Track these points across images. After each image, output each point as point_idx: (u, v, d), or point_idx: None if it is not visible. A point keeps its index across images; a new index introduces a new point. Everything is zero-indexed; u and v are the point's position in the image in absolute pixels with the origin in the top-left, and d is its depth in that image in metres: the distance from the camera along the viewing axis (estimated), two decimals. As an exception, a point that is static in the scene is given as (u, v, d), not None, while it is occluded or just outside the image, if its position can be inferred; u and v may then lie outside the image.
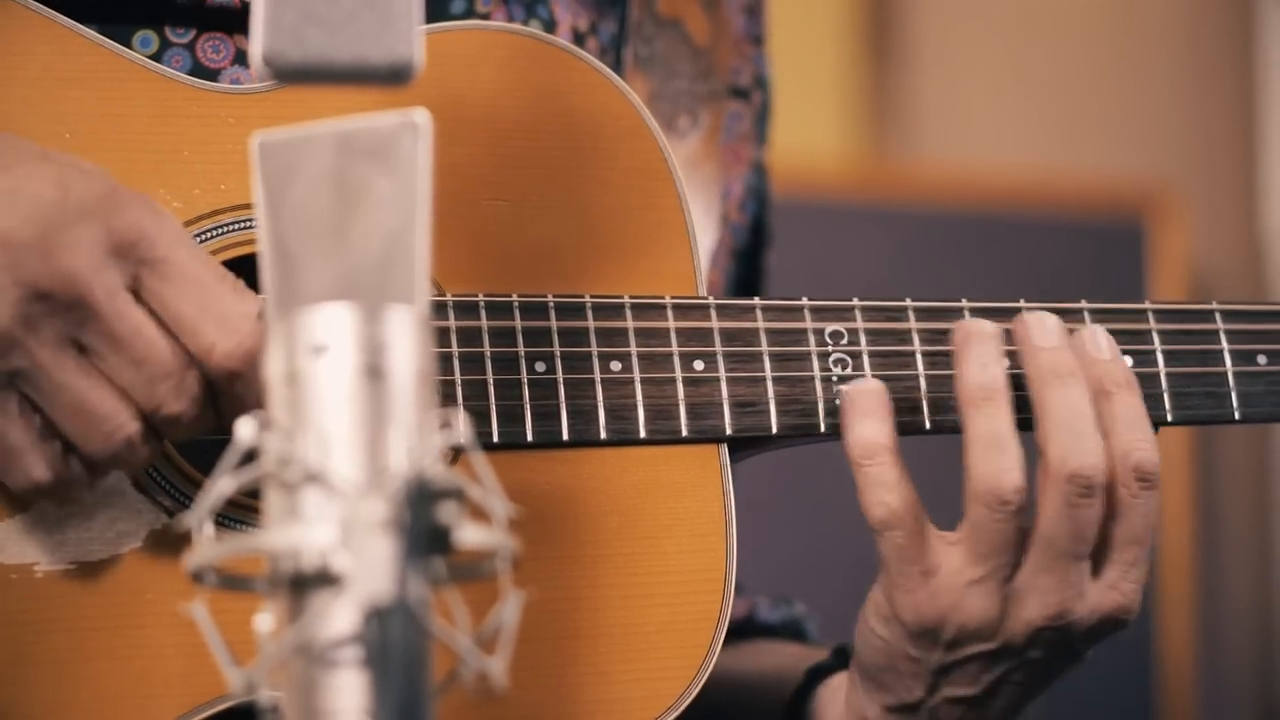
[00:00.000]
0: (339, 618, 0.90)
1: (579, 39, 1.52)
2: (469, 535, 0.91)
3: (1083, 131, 3.97)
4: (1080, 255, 3.58)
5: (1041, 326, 1.36)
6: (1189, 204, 3.71)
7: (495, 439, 1.30)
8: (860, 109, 3.84)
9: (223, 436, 1.06)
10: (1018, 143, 3.94)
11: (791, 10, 3.77)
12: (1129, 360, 1.40)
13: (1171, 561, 3.59)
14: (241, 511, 1.28)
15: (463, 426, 0.94)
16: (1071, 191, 3.66)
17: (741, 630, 1.66)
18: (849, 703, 1.41)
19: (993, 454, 1.31)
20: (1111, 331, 1.39)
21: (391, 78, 0.99)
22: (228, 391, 1.19)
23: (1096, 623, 1.34)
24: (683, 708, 1.32)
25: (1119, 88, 3.99)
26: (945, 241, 3.51)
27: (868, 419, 1.34)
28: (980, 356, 1.34)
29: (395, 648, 0.87)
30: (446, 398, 1.30)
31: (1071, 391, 1.33)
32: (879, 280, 3.36)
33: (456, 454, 1.22)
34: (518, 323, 1.32)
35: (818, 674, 1.47)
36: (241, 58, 1.40)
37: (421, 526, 0.89)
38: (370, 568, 0.89)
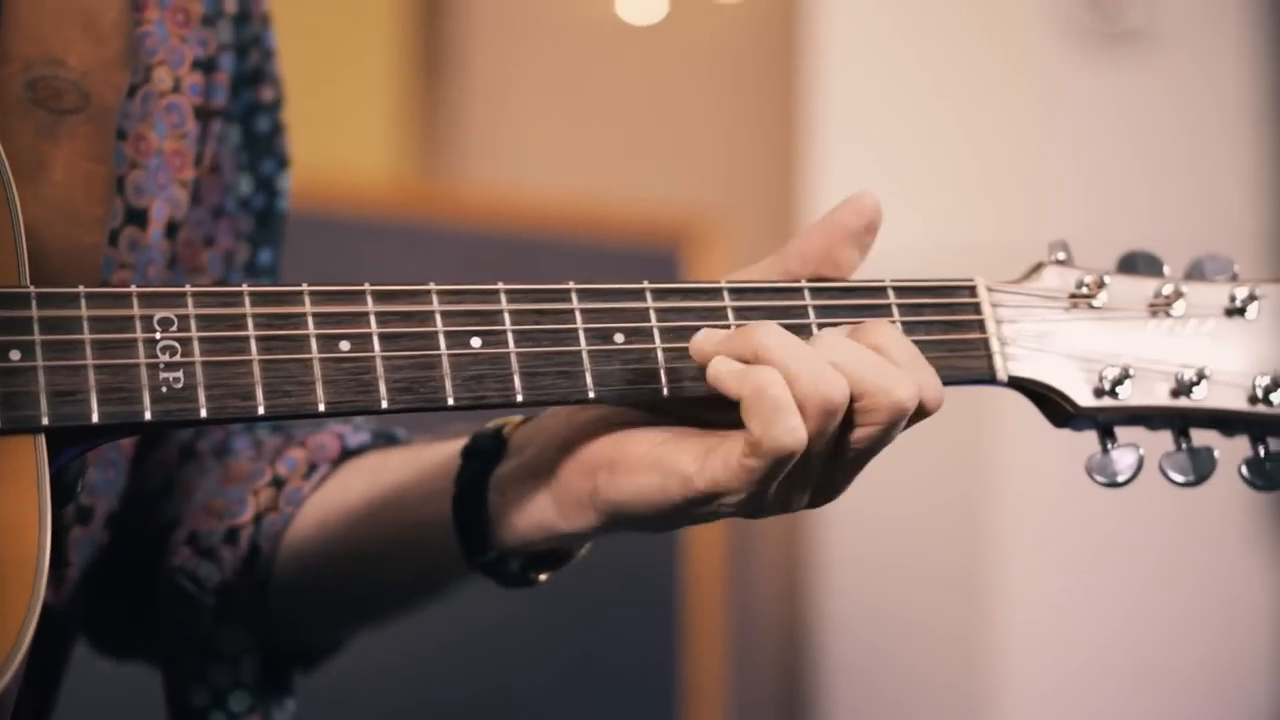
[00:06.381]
0: None
1: None
2: None
3: (628, 159, 4.05)
4: (619, 281, 3.62)
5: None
6: (725, 232, 3.80)
7: None
8: (408, 127, 3.84)
9: None
10: (565, 168, 3.99)
11: (339, 23, 3.76)
12: (477, 341, 1.40)
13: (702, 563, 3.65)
14: None
15: None
16: (611, 218, 3.71)
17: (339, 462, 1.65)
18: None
19: None
20: (448, 314, 1.39)
21: None
22: None
23: None
24: None
25: (664, 117, 4.07)
26: (488, 264, 3.53)
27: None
28: None
29: None
30: None
31: None
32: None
33: None
34: None
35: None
36: None
37: None
38: None
